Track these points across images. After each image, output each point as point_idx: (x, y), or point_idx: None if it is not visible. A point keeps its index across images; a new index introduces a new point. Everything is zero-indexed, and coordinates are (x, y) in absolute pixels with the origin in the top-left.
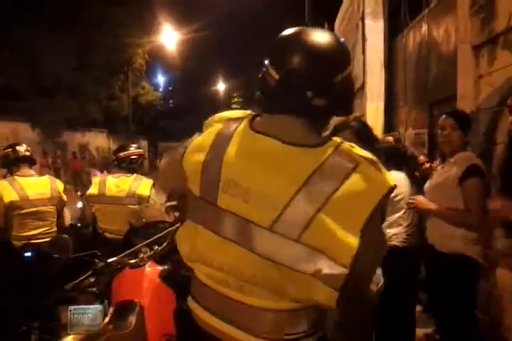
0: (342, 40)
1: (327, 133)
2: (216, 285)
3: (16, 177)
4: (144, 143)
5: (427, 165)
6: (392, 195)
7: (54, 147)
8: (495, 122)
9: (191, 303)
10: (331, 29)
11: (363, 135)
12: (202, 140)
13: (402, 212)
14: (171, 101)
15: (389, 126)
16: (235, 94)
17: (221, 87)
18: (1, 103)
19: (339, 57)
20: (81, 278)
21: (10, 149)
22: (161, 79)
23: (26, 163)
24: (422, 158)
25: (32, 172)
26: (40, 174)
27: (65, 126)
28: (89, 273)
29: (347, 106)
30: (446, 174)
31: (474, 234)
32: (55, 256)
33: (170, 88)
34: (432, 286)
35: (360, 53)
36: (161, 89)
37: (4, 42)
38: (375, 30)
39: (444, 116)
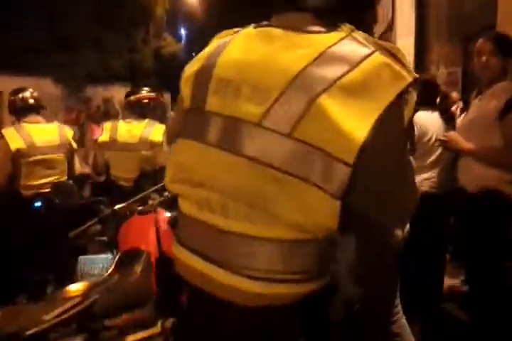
0: None
1: None
2: (197, 211)
3: (23, 124)
4: (167, 97)
5: (460, 103)
6: (421, 134)
7: (78, 102)
8: None
9: (175, 246)
10: None
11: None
12: (200, 54)
13: (434, 154)
14: (193, 53)
15: (420, 65)
16: None
17: None
18: (23, 59)
19: None
20: (86, 226)
21: (16, 96)
22: (182, 30)
23: (33, 109)
24: (454, 95)
25: (40, 119)
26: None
27: (87, 80)
28: (95, 220)
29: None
30: (482, 108)
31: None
32: (57, 202)
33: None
34: (461, 232)
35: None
36: (183, 42)
37: None
38: None
39: (481, 39)
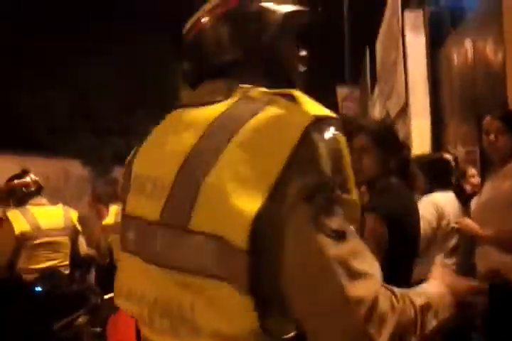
0: None
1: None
2: (142, 327)
3: (27, 206)
4: None
5: (477, 179)
6: (440, 218)
7: (105, 184)
8: None
9: None
10: (372, 52)
11: (384, 140)
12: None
13: (454, 238)
14: None
15: (437, 144)
16: None
17: None
18: (52, 141)
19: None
20: (70, 318)
21: (18, 181)
22: None
23: (36, 193)
24: (472, 171)
25: (44, 201)
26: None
27: (115, 162)
28: (81, 311)
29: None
30: (496, 189)
31: None
32: (40, 290)
33: None
34: (487, 326)
35: (401, 71)
36: None
37: (54, 77)
38: (415, 45)
39: (488, 117)
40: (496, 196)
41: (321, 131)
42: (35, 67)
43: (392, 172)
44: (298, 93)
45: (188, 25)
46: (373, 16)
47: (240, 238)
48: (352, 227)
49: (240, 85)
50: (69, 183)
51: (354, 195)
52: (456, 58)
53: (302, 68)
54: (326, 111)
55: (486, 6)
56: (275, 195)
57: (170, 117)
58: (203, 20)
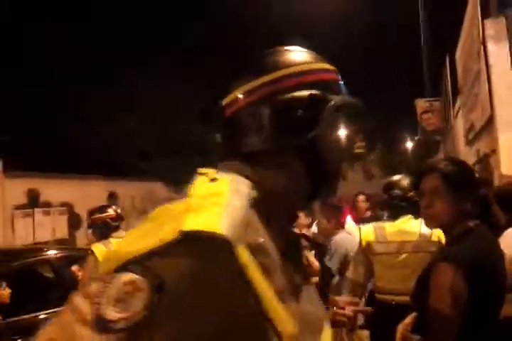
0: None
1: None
2: None
3: (110, 239)
4: None
5: None
6: None
7: None
8: None
9: None
10: (452, 61)
11: (458, 180)
12: None
13: None
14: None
15: None
16: (358, 139)
17: (342, 132)
18: (133, 164)
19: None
20: None
21: (99, 216)
22: None
23: (119, 226)
24: None
25: (123, 234)
26: None
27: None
28: None
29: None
30: None
31: None
32: None
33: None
34: None
35: (485, 82)
36: None
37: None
38: (499, 54)
39: None
40: None
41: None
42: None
43: (470, 216)
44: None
45: (226, 99)
46: (453, 26)
47: None
48: None
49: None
50: (154, 204)
51: None
52: None
53: (354, 150)
54: (210, 225)
55: None
56: None
57: None
58: (244, 98)
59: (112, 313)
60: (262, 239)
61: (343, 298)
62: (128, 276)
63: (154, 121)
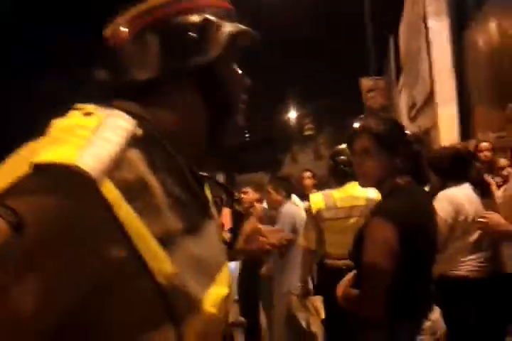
0: None
1: None
2: None
3: None
4: (220, 177)
5: (508, 170)
6: (457, 213)
7: None
8: None
9: None
10: (396, 40)
11: (387, 139)
12: None
13: (474, 234)
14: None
15: (465, 132)
16: (306, 121)
17: (292, 115)
18: None
19: None
20: None
21: None
22: None
23: None
24: (502, 162)
25: None
26: None
27: None
28: None
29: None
30: None
31: None
32: None
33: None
34: None
35: (425, 58)
36: None
37: None
38: (439, 31)
39: (510, 104)
40: None
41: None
42: None
43: (401, 172)
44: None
45: (107, 30)
46: (395, 5)
47: None
48: None
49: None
50: None
51: None
52: (481, 41)
53: (246, 98)
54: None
55: None
56: None
57: None
58: (127, 26)
59: None
60: (142, 178)
61: (265, 228)
62: None
63: None
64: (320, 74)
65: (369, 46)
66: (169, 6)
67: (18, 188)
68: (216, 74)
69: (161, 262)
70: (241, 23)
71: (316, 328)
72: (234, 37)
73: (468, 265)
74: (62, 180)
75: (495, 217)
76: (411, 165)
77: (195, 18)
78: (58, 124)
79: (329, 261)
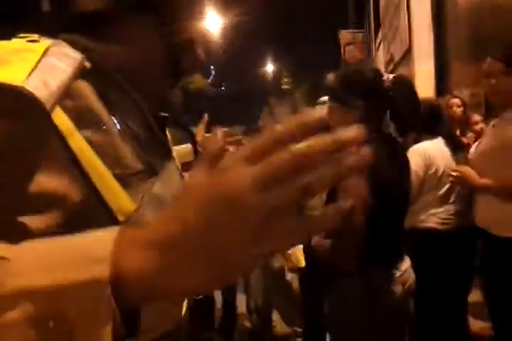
0: None
1: None
2: None
3: None
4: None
5: (481, 126)
6: (427, 166)
7: None
8: None
9: None
10: None
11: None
12: None
13: (444, 187)
14: (222, 87)
15: (441, 89)
16: (284, 75)
17: (269, 68)
18: None
19: None
20: None
21: None
22: (208, 65)
23: None
24: (476, 117)
25: None
26: None
27: None
28: None
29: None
30: (498, 135)
31: None
32: None
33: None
34: (486, 278)
35: (404, 12)
36: (210, 77)
37: None
38: None
39: (488, 59)
40: (498, 142)
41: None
42: None
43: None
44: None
45: None
46: None
47: None
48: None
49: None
50: None
51: None
52: None
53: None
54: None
55: None
56: None
57: None
58: None
59: None
60: (93, 110)
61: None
62: None
63: None
64: (299, 27)
65: None
66: None
67: None
68: (170, 7)
69: (119, 199)
70: None
71: (291, 277)
72: None
73: (437, 217)
74: (10, 102)
75: (467, 171)
76: (386, 114)
77: None
78: (2, 45)
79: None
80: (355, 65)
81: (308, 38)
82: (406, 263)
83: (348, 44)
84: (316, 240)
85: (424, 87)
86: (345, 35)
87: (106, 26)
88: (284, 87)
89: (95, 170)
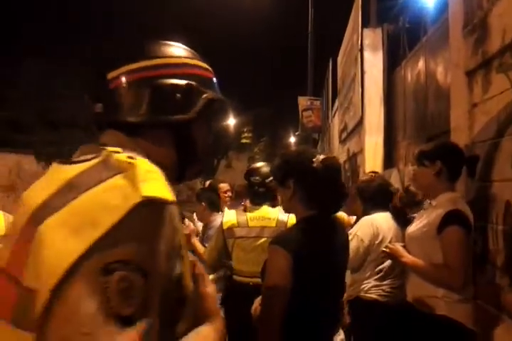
0: None
1: None
2: None
3: None
4: None
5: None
6: (374, 237)
7: None
8: (491, 156)
9: None
10: (335, 64)
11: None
12: None
13: (386, 261)
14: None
15: (389, 162)
16: (245, 129)
17: (231, 121)
18: (5, 135)
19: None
20: None
21: None
22: None
23: None
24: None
25: None
26: None
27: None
28: None
29: (130, 112)
30: (425, 220)
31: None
32: None
33: None
34: None
35: (358, 87)
36: None
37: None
38: (373, 62)
39: (416, 150)
40: (423, 227)
41: (144, 211)
42: None
43: (308, 202)
44: (133, 167)
45: (111, 73)
46: (337, 31)
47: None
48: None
49: (108, 147)
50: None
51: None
52: (410, 78)
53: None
54: (143, 193)
55: (438, 31)
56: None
57: (51, 169)
58: (126, 76)
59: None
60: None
61: None
62: (117, 275)
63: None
64: (262, 87)
65: (309, 67)
66: (160, 69)
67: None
68: (189, 131)
69: (189, 280)
70: (218, 91)
71: None
72: (211, 102)
73: (380, 289)
74: (169, 212)
75: (396, 248)
76: (323, 194)
77: (181, 82)
78: (139, 166)
79: (238, 278)
80: (311, 130)
81: (272, 96)
82: (341, 336)
83: (306, 109)
84: (256, 305)
85: (373, 158)
86: (303, 101)
87: (138, 133)
88: (244, 140)
89: (185, 257)
